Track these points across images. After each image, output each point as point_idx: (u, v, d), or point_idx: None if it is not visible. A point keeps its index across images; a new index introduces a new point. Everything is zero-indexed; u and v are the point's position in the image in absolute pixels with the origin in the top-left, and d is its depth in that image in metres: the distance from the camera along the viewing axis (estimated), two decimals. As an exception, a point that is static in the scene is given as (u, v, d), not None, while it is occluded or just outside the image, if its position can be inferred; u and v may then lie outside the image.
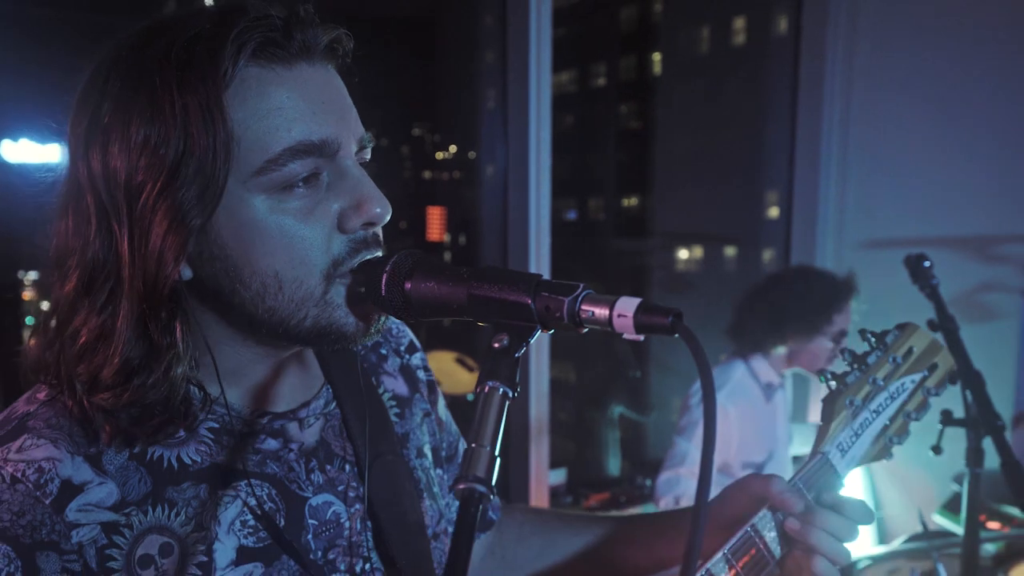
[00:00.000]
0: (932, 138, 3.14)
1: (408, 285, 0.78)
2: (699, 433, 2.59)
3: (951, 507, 2.70)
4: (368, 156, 0.88)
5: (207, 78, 0.75)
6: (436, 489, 1.11)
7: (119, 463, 0.81)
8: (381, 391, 1.08)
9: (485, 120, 2.84)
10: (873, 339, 1.10)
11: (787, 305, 2.58)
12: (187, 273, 0.80)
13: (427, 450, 1.12)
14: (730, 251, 5.73)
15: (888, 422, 1.09)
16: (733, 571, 0.96)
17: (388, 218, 0.84)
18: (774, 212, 4.19)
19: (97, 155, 0.76)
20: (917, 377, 1.11)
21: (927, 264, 1.96)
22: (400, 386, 1.12)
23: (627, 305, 0.69)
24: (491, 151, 2.75)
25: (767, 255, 4.51)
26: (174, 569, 0.81)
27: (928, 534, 2.17)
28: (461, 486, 0.64)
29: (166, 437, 0.83)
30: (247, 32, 0.76)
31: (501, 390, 0.68)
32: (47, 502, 0.76)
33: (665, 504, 2.61)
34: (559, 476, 3.03)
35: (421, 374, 1.16)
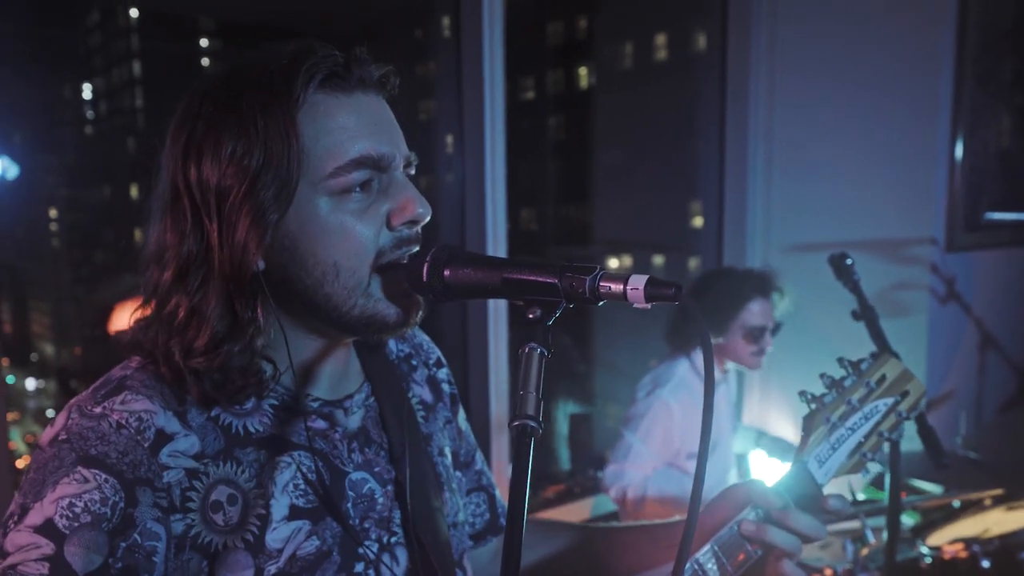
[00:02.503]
0: (848, 146, 3.37)
1: (447, 272, 0.93)
2: (643, 427, 2.74)
3: (876, 484, 2.93)
4: (412, 171, 1.03)
5: (283, 102, 0.92)
6: (455, 486, 1.25)
7: (200, 421, 0.96)
8: (410, 395, 1.22)
9: (440, 131, 2.92)
10: (849, 366, 1.23)
11: (701, 301, 2.73)
12: (261, 265, 0.94)
13: (447, 451, 1.26)
14: (658, 259, 5.96)
15: (863, 439, 1.21)
16: (722, 566, 1.09)
17: (428, 217, 1.00)
18: (699, 221, 4.41)
19: (193, 166, 0.93)
20: (890, 401, 1.24)
21: (849, 262, 2.16)
22: (426, 394, 1.26)
23: (638, 280, 0.83)
24: (447, 162, 2.84)
25: (693, 263, 4.72)
26: (238, 516, 0.95)
27: (856, 503, 2.38)
28: (516, 423, 0.79)
29: (244, 400, 0.97)
30: (315, 66, 0.94)
31: (539, 350, 0.83)
32: (145, 446, 0.90)
33: (615, 494, 2.75)
34: (518, 470, 3.13)
35: (446, 387, 1.31)
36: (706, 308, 2.70)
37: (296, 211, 0.93)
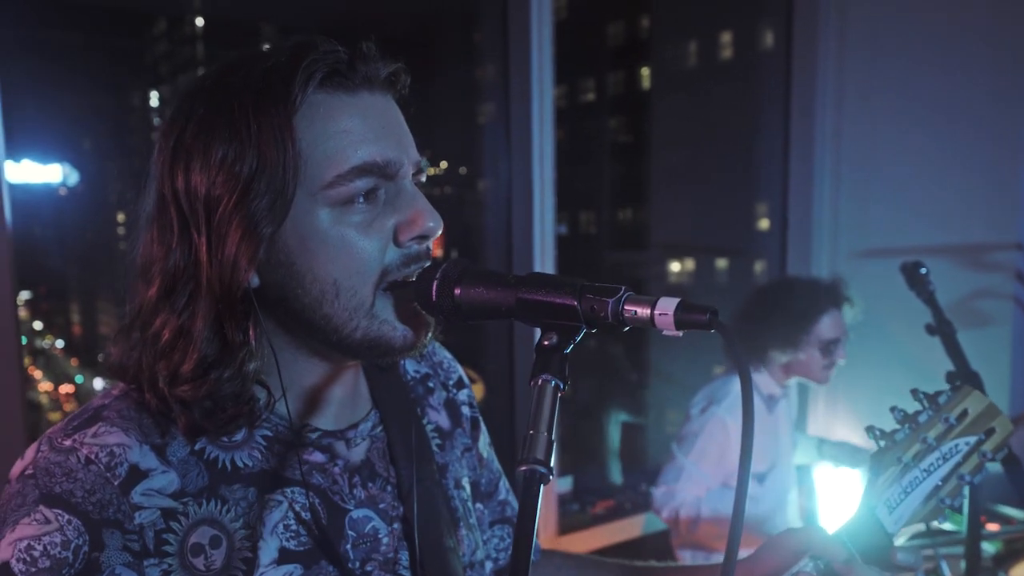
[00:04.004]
0: (923, 147, 3.20)
1: (458, 291, 0.84)
2: (697, 446, 2.62)
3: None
4: (423, 179, 0.94)
5: (279, 103, 0.83)
6: (473, 521, 1.14)
7: (181, 456, 0.87)
8: (425, 422, 1.13)
9: (486, 134, 2.87)
10: (925, 399, 1.10)
11: (769, 316, 2.61)
12: (255, 281, 0.87)
13: (465, 483, 1.15)
14: (721, 263, 5.79)
15: (940, 483, 1.07)
16: None
17: (440, 232, 0.91)
18: (764, 224, 4.25)
19: (181, 172, 0.84)
20: (972, 440, 1.10)
21: (923, 271, 2.00)
22: (443, 419, 1.16)
23: (667, 304, 0.74)
24: (492, 166, 2.78)
25: (758, 267, 4.56)
26: (222, 560, 0.87)
27: (930, 533, 2.21)
28: (523, 468, 0.70)
29: (235, 430, 0.89)
30: (315, 63, 0.85)
31: (553, 383, 0.74)
32: (116, 483, 0.82)
33: (667, 514, 2.63)
34: (566, 484, 3.06)
35: (466, 410, 1.20)
36: (775, 324, 2.58)
37: (293, 223, 0.85)
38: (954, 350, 1.90)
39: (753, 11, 4.90)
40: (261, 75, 0.85)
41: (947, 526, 2.72)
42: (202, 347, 0.84)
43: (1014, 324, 3.06)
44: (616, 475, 3.70)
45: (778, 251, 3.60)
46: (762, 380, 2.72)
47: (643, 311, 0.75)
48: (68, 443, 0.84)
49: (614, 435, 3.85)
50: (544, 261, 2.65)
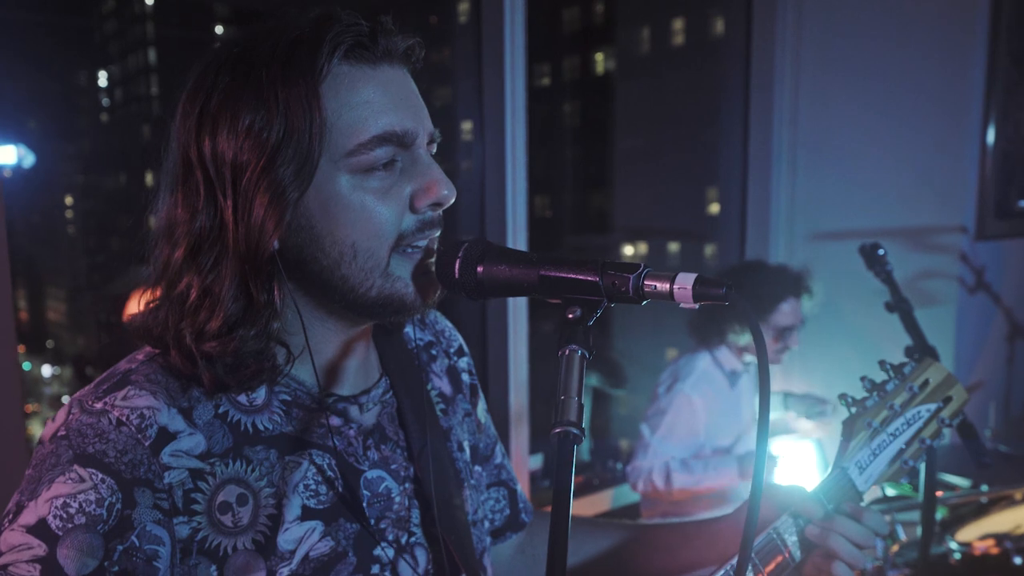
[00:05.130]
0: (875, 134, 3.30)
1: (480, 269, 0.88)
2: (664, 424, 2.70)
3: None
4: (435, 149, 0.97)
5: (306, 73, 0.85)
6: (474, 482, 1.19)
7: (206, 418, 0.90)
8: (429, 387, 1.17)
9: (456, 118, 2.88)
10: (891, 369, 1.18)
11: None
12: (275, 244, 0.89)
13: (466, 446, 1.20)
14: (673, 247, 5.90)
15: (904, 445, 1.16)
16: (758, 572, 1.05)
17: (453, 199, 0.94)
18: (715, 208, 4.36)
19: (208, 138, 0.86)
20: (932, 407, 1.19)
21: (881, 252, 2.10)
22: (445, 385, 1.21)
23: (686, 279, 0.79)
24: (467, 149, 2.79)
25: (709, 250, 4.67)
26: (248, 517, 0.90)
27: (887, 499, 2.33)
28: (557, 430, 0.74)
29: (257, 386, 0.92)
30: (340, 35, 0.87)
31: (580, 352, 0.78)
32: (146, 444, 0.85)
33: (642, 487, 2.71)
34: (537, 462, 3.13)
35: (465, 377, 1.25)
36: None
37: (316, 189, 0.88)
38: (911, 326, 2.00)
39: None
40: (287, 46, 0.86)
41: (903, 490, 2.87)
42: (228, 306, 0.86)
43: (959, 302, 3.21)
44: (585, 453, 3.79)
45: (737, 235, 3.69)
46: (724, 356, 2.81)
47: (663, 285, 0.79)
48: (99, 406, 0.86)
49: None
50: (516, 242, 2.68)
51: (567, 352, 0.78)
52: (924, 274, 3.20)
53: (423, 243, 0.93)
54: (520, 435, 2.75)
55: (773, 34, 3.43)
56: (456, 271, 0.88)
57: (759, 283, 2.72)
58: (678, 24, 6.65)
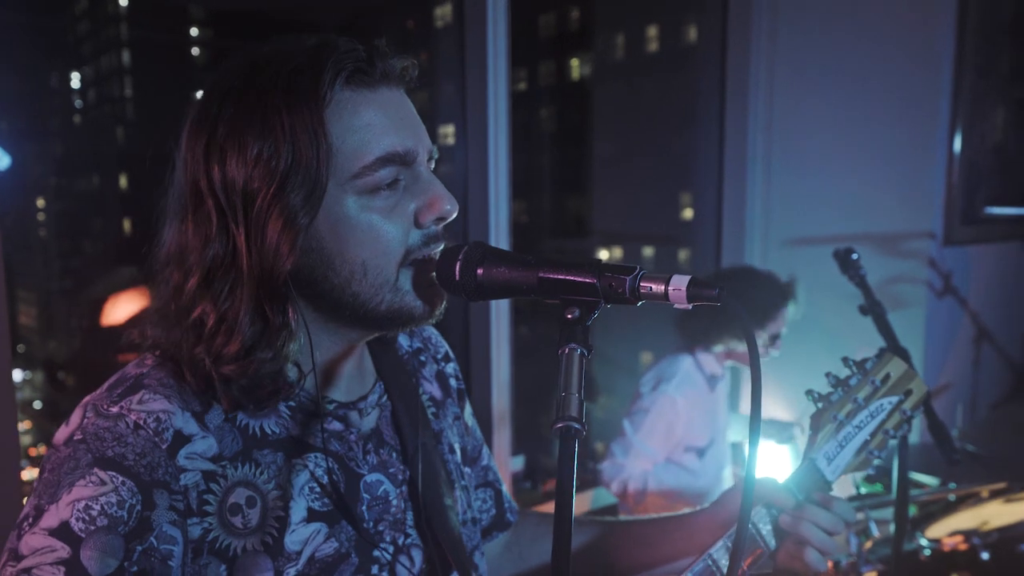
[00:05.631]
0: (847, 142, 3.38)
1: (480, 271, 0.91)
2: (647, 423, 2.74)
3: (872, 479, 2.94)
4: (433, 165, 1.01)
5: (310, 100, 0.89)
6: (464, 483, 1.23)
7: (217, 423, 0.94)
8: (420, 392, 1.21)
9: (435, 121, 2.89)
10: (854, 365, 1.24)
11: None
12: (288, 267, 0.91)
13: (457, 448, 1.24)
14: (648, 251, 5.96)
15: (869, 437, 1.22)
16: None
17: (456, 213, 0.97)
18: (688, 213, 4.42)
19: (217, 167, 0.89)
20: (894, 400, 1.25)
21: (855, 256, 2.16)
22: (436, 390, 1.25)
23: (680, 281, 0.82)
24: (447, 152, 2.81)
25: (682, 255, 4.73)
26: (257, 519, 0.94)
27: (860, 496, 2.39)
28: (559, 425, 0.77)
29: (273, 405, 0.95)
30: (340, 62, 0.91)
31: (579, 351, 0.82)
32: (163, 447, 0.88)
33: (616, 488, 2.74)
34: (518, 463, 3.16)
35: (453, 382, 1.30)
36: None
37: (324, 212, 0.91)
38: (884, 328, 2.06)
39: (679, 5, 5.04)
40: (288, 75, 0.90)
41: (875, 488, 2.93)
42: (245, 330, 0.89)
43: (927, 306, 3.30)
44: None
45: (711, 239, 3.75)
46: (707, 360, 2.86)
47: (658, 287, 0.83)
48: (115, 410, 0.89)
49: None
50: (499, 244, 2.70)
51: (567, 351, 0.81)
52: (894, 278, 3.28)
53: (428, 256, 0.96)
54: (502, 437, 2.78)
55: (748, 43, 3.50)
56: (457, 273, 0.92)
57: (756, 289, 2.76)
58: (652, 31, 6.73)
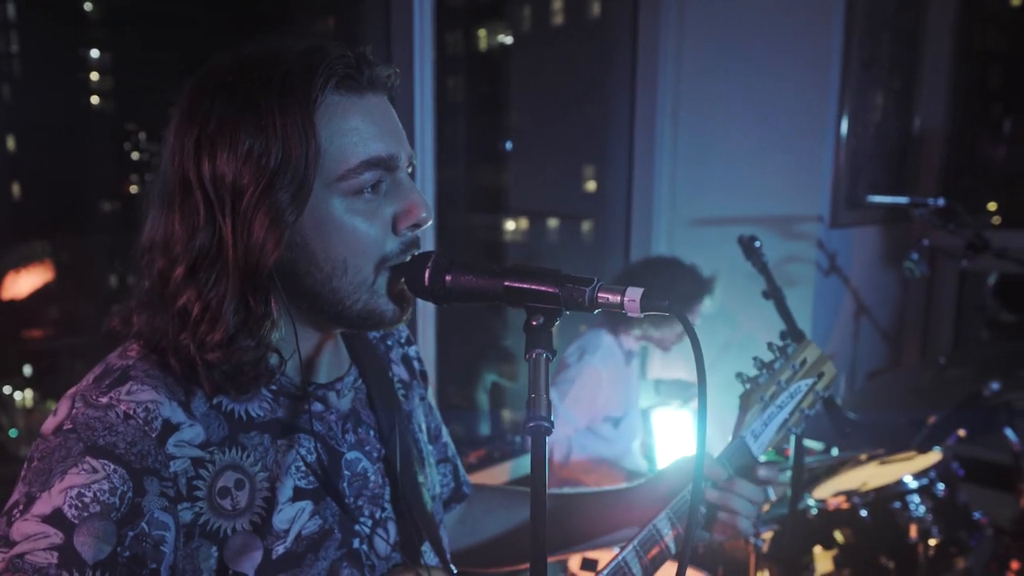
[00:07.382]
0: (747, 128, 3.56)
1: (448, 278, 0.97)
2: (572, 391, 2.87)
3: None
4: (411, 170, 1.05)
5: (301, 102, 0.93)
6: (432, 460, 1.31)
7: (203, 410, 0.97)
8: (390, 374, 1.26)
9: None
10: (777, 350, 1.37)
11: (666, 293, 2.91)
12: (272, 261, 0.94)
13: (424, 427, 1.31)
14: (552, 223, 6.08)
15: (788, 415, 1.35)
16: (675, 530, 1.22)
17: (431, 221, 1.02)
18: (592, 186, 4.57)
19: (207, 160, 0.92)
20: (810, 381, 1.38)
21: (757, 244, 2.33)
22: (403, 372, 1.31)
23: (634, 293, 0.92)
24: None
25: (585, 226, 4.87)
26: (246, 500, 0.98)
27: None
28: (531, 424, 0.83)
29: (254, 391, 0.98)
30: (331, 67, 0.95)
31: (544, 355, 0.88)
32: (153, 436, 0.91)
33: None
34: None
35: (416, 364, 1.35)
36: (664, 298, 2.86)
37: (310, 210, 0.95)
38: (784, 312, 2.24)
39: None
40: (282, 77, 0.93)
41: (769, 456, 3.17)
42: (228, 320, 0.93)
43: (815, 284, 3.56)
44: (485, 428, 3.92)
45: (621, 215, 3.88)
46: (625, 338, 3.02)
47: (614, 297, 0.92)
48: (104, 400, 0.91)
49: (483, 393, 4.08)
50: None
51: (534, 356, 0.88)
52: (787, 259, 3.51)
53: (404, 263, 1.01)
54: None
55: (657, 23, 3.60)
56: (426, 279, 0.98)
57: (679, 281, 2.91)
58: (557, 3, 6.77)
